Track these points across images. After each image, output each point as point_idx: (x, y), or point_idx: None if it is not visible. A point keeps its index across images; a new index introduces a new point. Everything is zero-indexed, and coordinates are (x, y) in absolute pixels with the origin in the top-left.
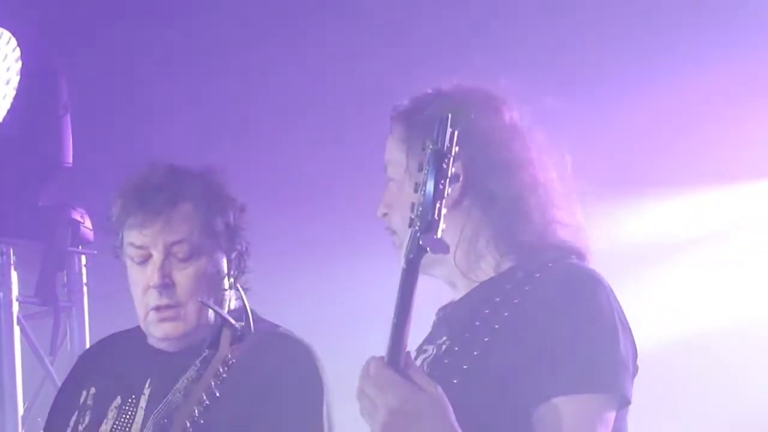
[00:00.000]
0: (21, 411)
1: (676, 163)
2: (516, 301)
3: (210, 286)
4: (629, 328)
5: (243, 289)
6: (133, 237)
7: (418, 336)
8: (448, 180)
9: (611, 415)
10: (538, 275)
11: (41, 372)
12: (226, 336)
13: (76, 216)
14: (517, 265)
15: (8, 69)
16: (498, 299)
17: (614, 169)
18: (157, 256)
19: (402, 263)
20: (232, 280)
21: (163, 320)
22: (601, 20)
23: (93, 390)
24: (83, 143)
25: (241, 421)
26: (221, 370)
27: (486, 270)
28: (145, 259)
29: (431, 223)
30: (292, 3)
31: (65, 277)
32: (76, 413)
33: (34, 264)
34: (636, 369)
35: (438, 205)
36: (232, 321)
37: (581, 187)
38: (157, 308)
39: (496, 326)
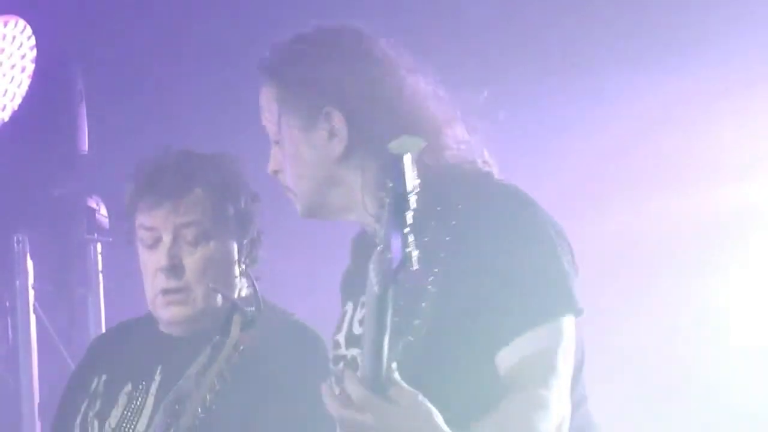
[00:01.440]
0: (38, 398)
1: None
2: (447, 238)
3: (219, 271)
4: (562, 232)
5: (254, 278)
6: (144, 218)
7: None
8: (410, 212)
9: (572, 332)
10: (460, 206)
11: (58, 359)
12: (236, 322)
13: (92, 204)
14: (432, 196)
15: (23, 57)
16: (426, 239)
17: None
18: (166, 238)
19: (375, 290)
20: (243, 267)
21: (170, 303)
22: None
23: (104, 377)
24: (99, 131)
25: (252, 407)
26: (232, 355)
27: None
28: (155, 242)
29: (406, 258)
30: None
31: (81, 265)
32: (87, 400)
33: (50, 252)
34: (577, 268)
35: (409, 239)
36: (242, 306)
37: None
38: (165, 291)
39: (436, 270)
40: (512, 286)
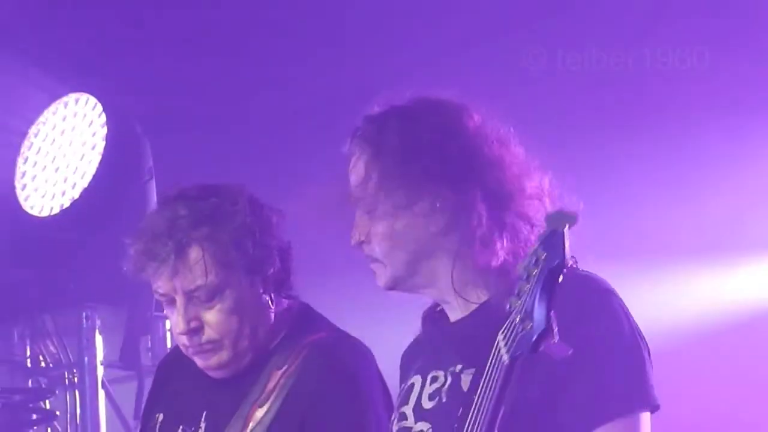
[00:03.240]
0: None
1: None
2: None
3: (245, 315)
4: (641, 331)
5: (292, 296)
6: (155, 285)
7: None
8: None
9: (649, 426)
10: None
11: None
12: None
13: None
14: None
15: (94, 134)
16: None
17: None
18: (179, 300)
19: (504, 359)
20: (272, 294)
21: (198, 353)
22: None
23: (161, 417)
24: None
25: None
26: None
27: (480, 288)
28: (171, 303)
29: (549, 331)
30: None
31: (149, 342)
32: None
33: (119, 328)
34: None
35: (552, 314)
36: None
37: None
38: (192, 346)
39: (518, 353)
40: (598, 373)
